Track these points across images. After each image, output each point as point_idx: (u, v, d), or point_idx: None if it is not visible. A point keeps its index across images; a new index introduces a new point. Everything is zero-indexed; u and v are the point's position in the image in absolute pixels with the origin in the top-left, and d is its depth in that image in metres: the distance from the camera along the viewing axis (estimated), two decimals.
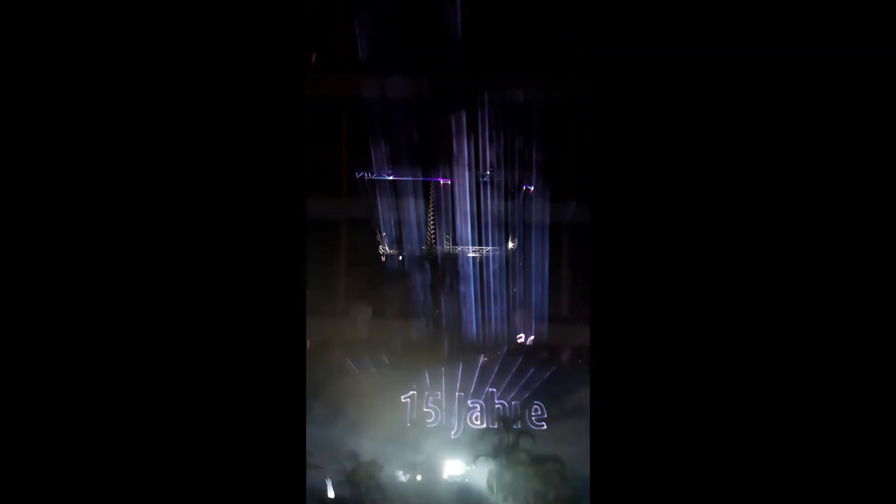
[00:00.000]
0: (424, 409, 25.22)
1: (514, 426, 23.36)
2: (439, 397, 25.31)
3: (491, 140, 27.21)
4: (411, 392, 25.27)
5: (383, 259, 27.72)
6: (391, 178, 26.57)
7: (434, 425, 24.95)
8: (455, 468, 23.50)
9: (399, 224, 27.01)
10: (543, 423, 24.88)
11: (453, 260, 27.45)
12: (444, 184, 26.92)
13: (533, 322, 27.49)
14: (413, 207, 26.83)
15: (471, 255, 27.72)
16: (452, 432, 24.77)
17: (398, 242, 27.34)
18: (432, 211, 27.01)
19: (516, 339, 27.48)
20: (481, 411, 24.92)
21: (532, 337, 27.45)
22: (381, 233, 27.38)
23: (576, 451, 24.02)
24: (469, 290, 27.61)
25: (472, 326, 27.10)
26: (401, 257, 27.38)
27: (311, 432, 9.24)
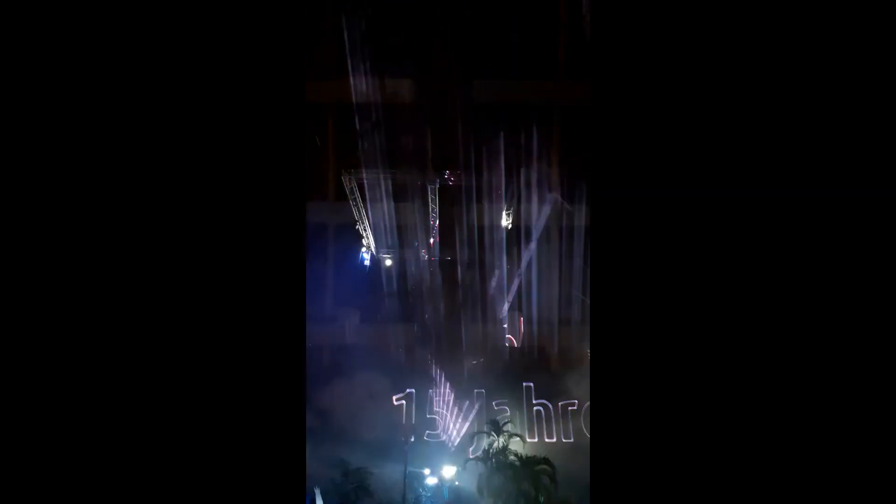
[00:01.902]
0: (428, 416, 25.11)
1: (504, 429, 23.23)
2: (437, 400, 25.16)
3: (477, 145, 27.34)
4: (409, 391, 25.05)
5: (370, 263, 27.72)
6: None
7: (432, 432, 24.83)
8: (446, 471, 23.47)
9: (387, 228, 27.01)
10: None
11: (440, 264, 27.48)
12: (431, 188, 26.99)
13: (523, 325, 27.65)
14: (400, 212, 26.86)
15: (450, 257, 27.78)
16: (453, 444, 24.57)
17: (386, 247, 27.32)
18: (418, 216, 27.04)
19: (508, 341, 27.59)
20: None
21: (522, 340, 27.56)
22: (367, 237, 27.38)
23: (568, 454, 24.17)
24: (455, 293, 27.67)
25: (461, 330, 27.16)
26: (388, 262, 27.37)
27: None
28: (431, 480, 23.28)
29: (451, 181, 27.49)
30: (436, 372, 25.31)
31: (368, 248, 27.41)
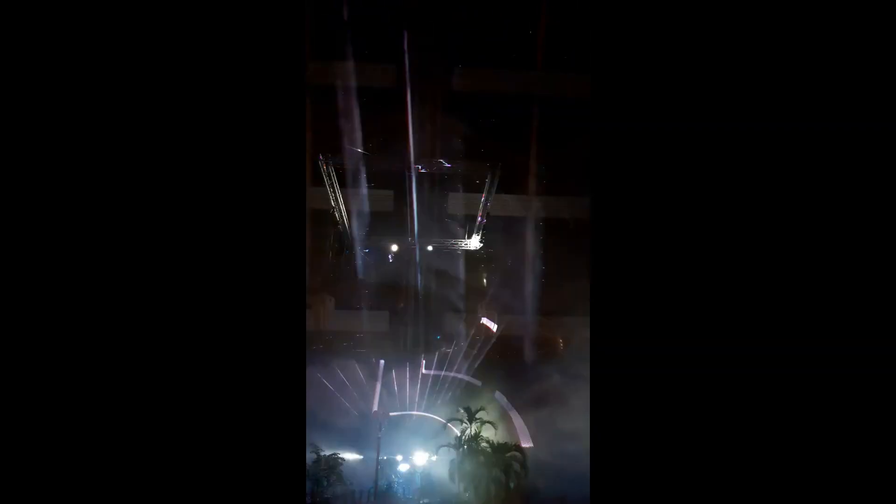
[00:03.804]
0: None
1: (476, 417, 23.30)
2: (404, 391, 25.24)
3: (456, 132, 27.27)
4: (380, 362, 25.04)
5: (345, 251, 27.56)
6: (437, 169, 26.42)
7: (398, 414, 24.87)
8: (418, 458, 23.48)
9: (363, 215, 26.87)
10: None
11: (417, 252, 27.40)
12: (409, 175, 26.83)
13: (498, 315, 27.67)
14: (377, 198, 26.73)
15: (432, 248, 27.71)
16: None
17: (361, 233, 27.20)
18: (396, 203, 26.92)
19: (482, 330, 27.59)
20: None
21: (498, 328, 27.57)
22: (344, 224, 27.18)
23: (539, 441, 24.32)
24: (432, 282, 27.65)
25: (436, 318, 27.16)
26: (366, 250, 27.24)
27: None
28: (404, 467, 23.31)
29: (431, 169, 27.38)
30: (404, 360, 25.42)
31: (344, 233, 27.25)
